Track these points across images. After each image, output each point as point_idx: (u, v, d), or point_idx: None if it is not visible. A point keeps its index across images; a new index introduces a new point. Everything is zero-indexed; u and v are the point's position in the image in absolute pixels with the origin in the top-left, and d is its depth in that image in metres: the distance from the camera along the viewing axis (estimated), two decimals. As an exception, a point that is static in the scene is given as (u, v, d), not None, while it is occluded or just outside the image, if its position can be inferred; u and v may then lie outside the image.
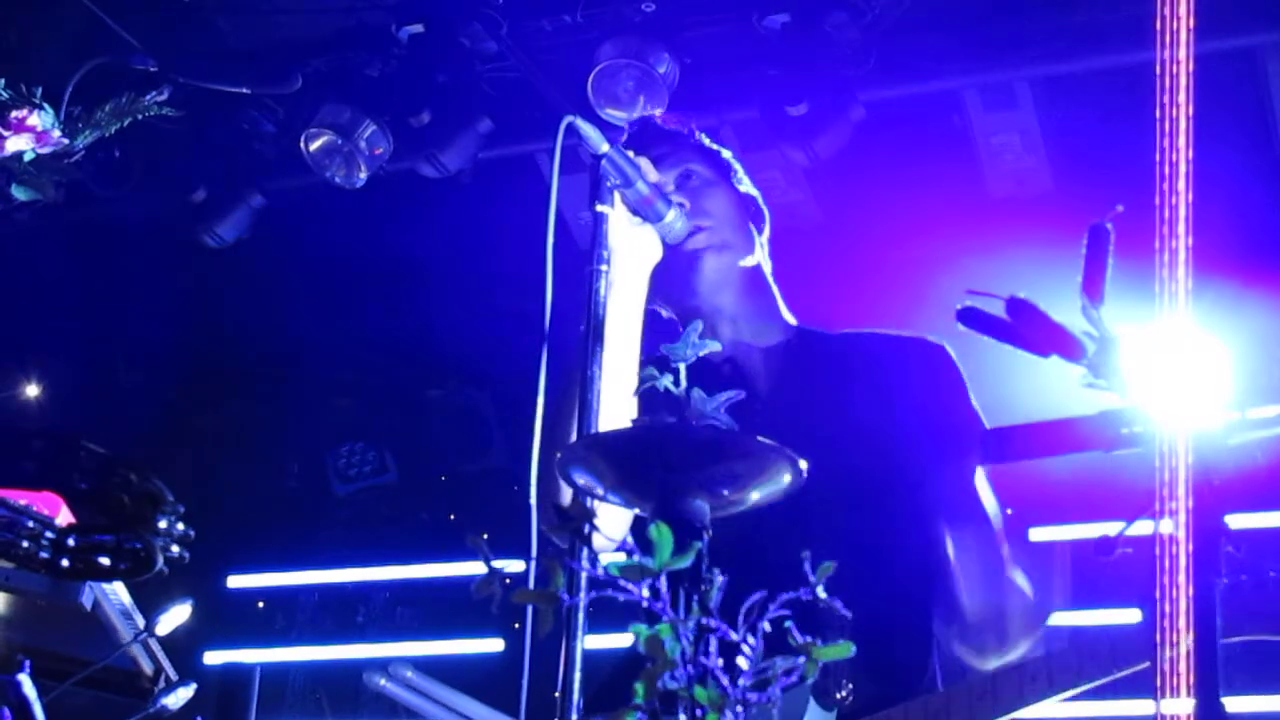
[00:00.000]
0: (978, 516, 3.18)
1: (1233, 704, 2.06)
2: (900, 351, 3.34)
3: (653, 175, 2.93)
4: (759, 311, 3.32)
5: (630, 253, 2.95)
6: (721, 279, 3.24)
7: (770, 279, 3.40)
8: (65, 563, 2.42)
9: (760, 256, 3.36)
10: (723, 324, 3.27)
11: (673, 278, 3.15)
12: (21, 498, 2.44)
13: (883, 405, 3.20)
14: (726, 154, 3.44)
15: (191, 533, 2.49)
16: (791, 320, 3.41)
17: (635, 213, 2.93)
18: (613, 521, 2.51)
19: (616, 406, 2.61)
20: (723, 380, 2.33)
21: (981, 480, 3.24)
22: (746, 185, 3.42)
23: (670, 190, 3.06)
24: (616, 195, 2.85)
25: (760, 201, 3.45)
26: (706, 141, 3.44)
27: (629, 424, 2.12)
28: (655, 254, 3.04)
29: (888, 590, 2.95)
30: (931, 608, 3.17)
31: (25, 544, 2.39)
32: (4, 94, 2.90)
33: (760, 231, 3.40)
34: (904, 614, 3.11)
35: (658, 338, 2.69)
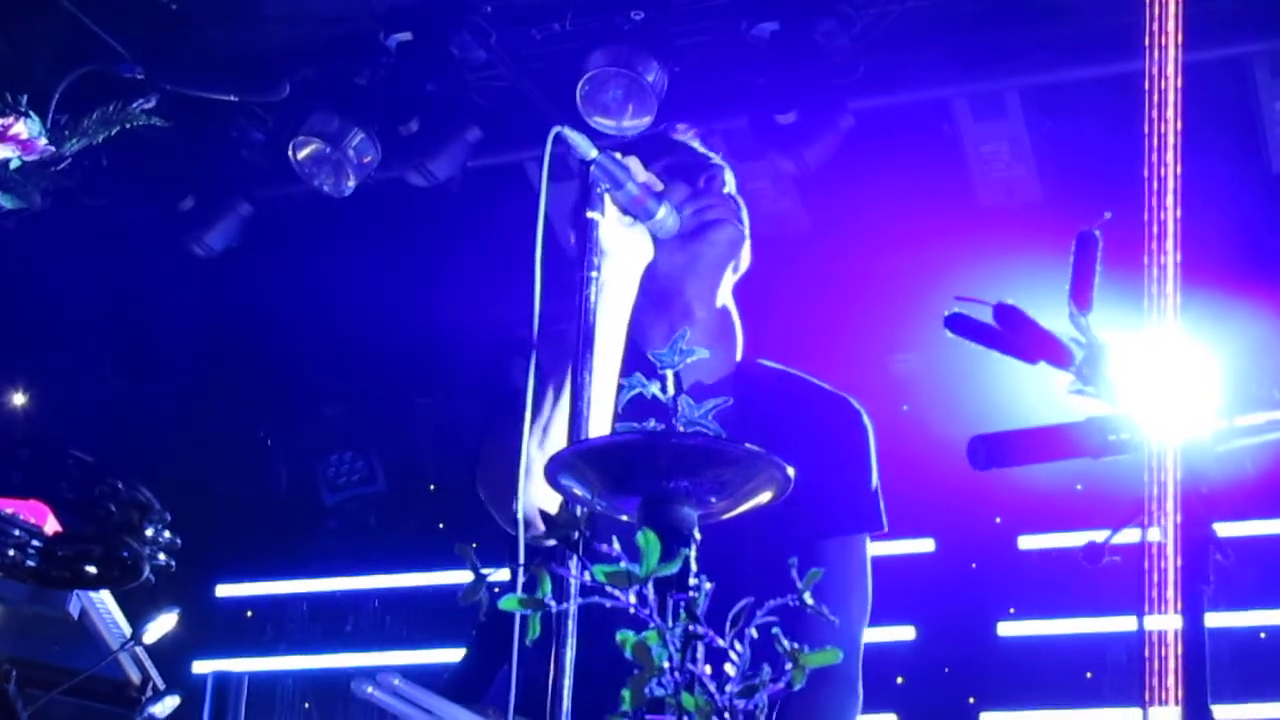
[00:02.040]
0: (851, 599, 3.19)
1: (1221, 713, 2.06)
2: (821, 405, 3.31)
3: (641, 175, 2.92)
4: (716, 352, 3.29)
5: (622, 253, 2.95)
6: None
7: (735, 316, 3.38)
8: (52, 572, 2.41)
9: (727, 296, 3.32)
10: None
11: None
12: (8, 506, 2.43)
13: (789, 453, 3.19)
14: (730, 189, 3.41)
15: (179, 541, 2.48)
16: (738, 354, 3.39)
17: (626, 212, 2.92)
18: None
19: (599, 410, 2.61)
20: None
21: (864, 554, 3.24)
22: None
23: (660, 188, 3.05)
24: (607, 199, 2.84)
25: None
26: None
27: (617, 431, 2.12)
28: (647, 254, 3.03)
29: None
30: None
31: (12, 552, 2.38)
32: (-10, 102, 2.89)
33: (735, 271, 3.33)
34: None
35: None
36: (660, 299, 3.19)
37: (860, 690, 3.16)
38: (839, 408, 3.33)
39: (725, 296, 3.30)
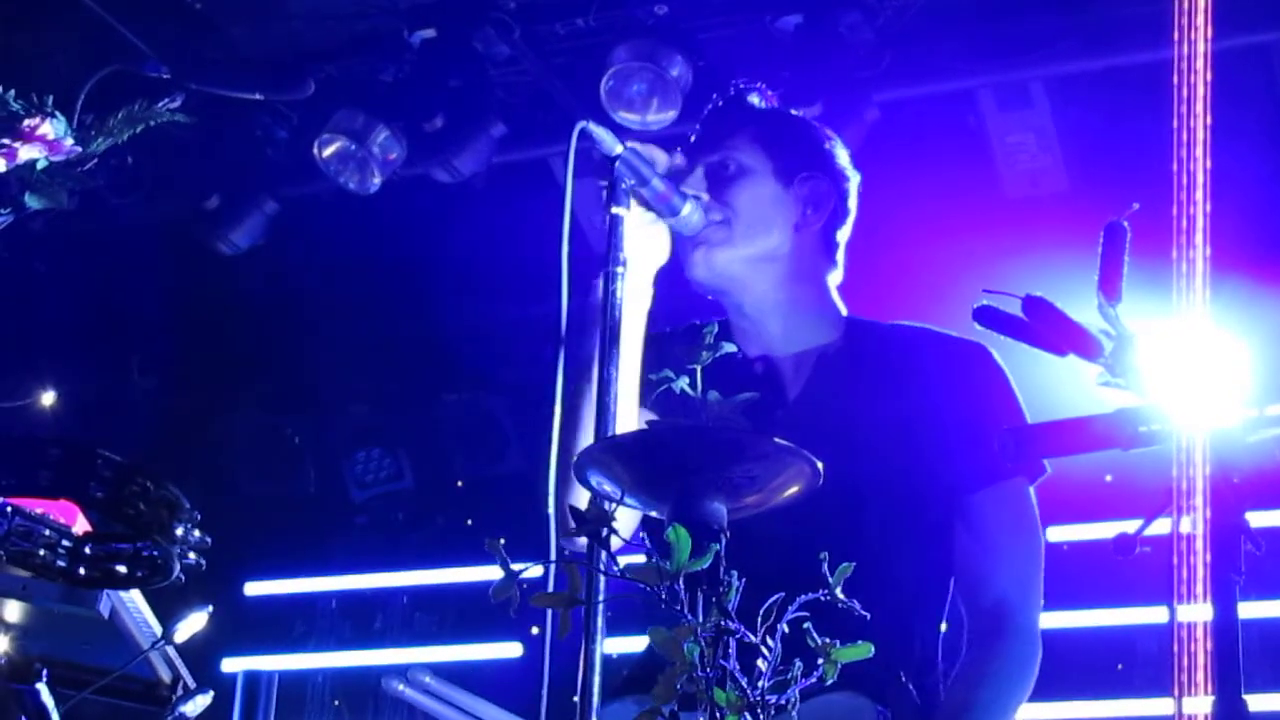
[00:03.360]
0: (1017, 549, 3.13)
1: (1255, 702, 2.06)
2: (950, 353, 3.21)
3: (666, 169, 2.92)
4: (792, 306, 3.24)
5: (640, 255, 2.93)
6: (728, 271, 3.19)
7: (820, 273, 3.31)
8: (82, 571, 2.42)
9: (788, 248, 3.25)
10: (744, 320, 3.23)
11: (682, 266, 3.12)
12: (38, 506, 2.44)
13: (927, 408, 3.13)
14: (833, 146, 3.41)
15: (208, 540, 2.49)
16: (842, 310, 3.33)
17: (651, 209, 2.91)
18: (625, 522, 2.49)
19: (623, 408, 2.61)
20: (746, 383, 2.29)
21: (1023, 499, 3.16)
22: (807, 184, 3.31)
23: (687, 186, 3.03)
24: (631, 195, 2.83)
25: (834, 198, 3.36)
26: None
27: (645, 426, 2.12)
28: (663, 256, 3.02)
29: (896, 595, 2.92)
30: (937, 616, 3.15)
31: (42, 553, 2.39)
32: (15, 104, 2.89)
33: (805, 227, 3.28)
34: (912, 619, 3.08)
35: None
36: None
37: (1039, 641, 3.06)
38: (969, 353, 3.22)
39: (783, 249, 3.24)
